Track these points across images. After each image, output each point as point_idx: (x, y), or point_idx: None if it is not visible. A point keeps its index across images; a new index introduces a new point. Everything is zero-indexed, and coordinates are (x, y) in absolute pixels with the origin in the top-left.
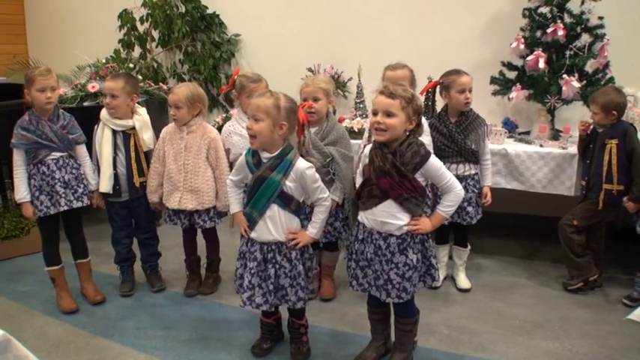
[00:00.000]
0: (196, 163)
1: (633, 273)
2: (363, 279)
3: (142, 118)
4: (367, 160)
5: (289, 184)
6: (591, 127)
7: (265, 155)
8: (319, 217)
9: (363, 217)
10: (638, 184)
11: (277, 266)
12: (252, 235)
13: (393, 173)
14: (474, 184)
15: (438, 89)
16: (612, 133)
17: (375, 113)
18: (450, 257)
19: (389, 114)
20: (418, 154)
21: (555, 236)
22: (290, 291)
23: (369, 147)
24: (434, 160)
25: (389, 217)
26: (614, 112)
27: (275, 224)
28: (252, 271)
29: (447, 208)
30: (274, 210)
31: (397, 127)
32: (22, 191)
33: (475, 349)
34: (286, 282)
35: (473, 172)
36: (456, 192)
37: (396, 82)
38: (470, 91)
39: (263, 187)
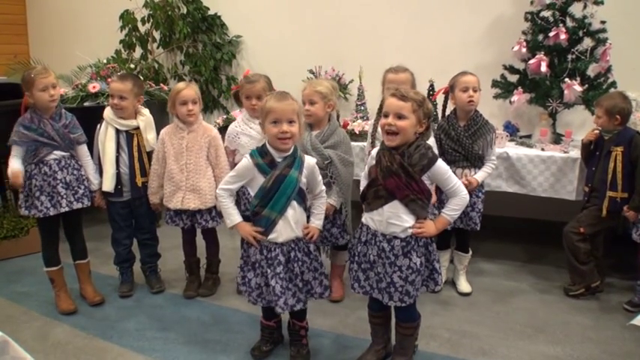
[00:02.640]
0: (198, 162)
1: (634, 278)
2: (364, 281)
3: (146, 118)
4: (373, 162)
5: (303, 180)
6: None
7: (279, 155)
8: (321, 208)
9: (367, 218)
10: (639, 193)
11: (300, 263)
12: (271, 236)
13: (401, 173)
14: (479, 190)
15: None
16: (618, 141)
17: (386, 115)
18: (451, 261)
19: (400, 116)
20: (426, 157)
21: (556, 240)
22: (314, 283)
23: (375, 150)
24: (441, 164)
25: (394, 218)
26: (618, 117)
27: (296, 221)
28: (282, 276)
29: (452, 212)
30: (294, 207)
31: (408, 129)
32: (17, 164)
33: (476, 354)
34: (310, 276)
35: None
36: (462, 196)
37: (399, 85)
38: (475, 90)
39: (284, 186)
